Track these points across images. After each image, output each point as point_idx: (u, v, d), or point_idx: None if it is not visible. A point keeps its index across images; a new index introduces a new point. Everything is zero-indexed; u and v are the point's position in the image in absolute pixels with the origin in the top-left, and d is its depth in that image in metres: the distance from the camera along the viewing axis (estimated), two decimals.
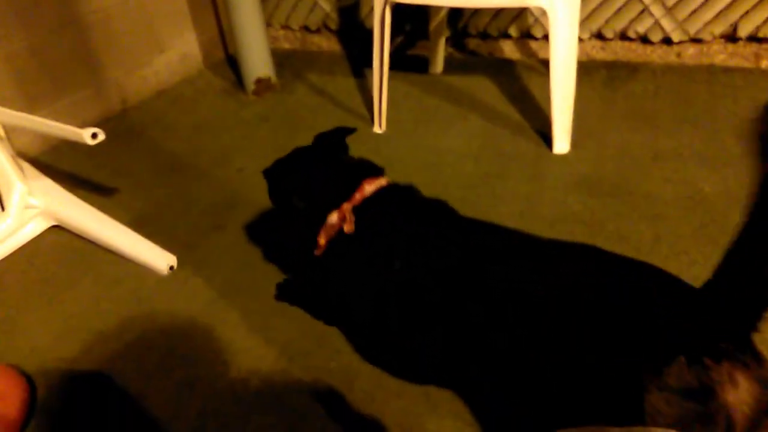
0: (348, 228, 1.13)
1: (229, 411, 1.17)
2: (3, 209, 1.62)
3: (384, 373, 1.21)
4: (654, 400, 0.70)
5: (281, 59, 2.68)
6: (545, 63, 2.38)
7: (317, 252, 1.19)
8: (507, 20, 2.40)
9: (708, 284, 0.81)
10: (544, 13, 2.27)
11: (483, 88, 2.27)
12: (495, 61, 2.49)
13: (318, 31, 2.74)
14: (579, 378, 0.80)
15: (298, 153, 1.30)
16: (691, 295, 0.81)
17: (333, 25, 2.69)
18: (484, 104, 2.15)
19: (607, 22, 2.26)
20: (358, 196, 1.15)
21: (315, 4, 2.66)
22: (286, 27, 2.79)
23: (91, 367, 1.30)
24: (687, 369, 0.70)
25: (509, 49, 2.48)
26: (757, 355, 0.72)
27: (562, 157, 1.83)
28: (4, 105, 1.82)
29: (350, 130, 1.33)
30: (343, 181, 1.18)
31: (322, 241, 1.17)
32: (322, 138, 1.31)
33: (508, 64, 2.44)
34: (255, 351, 1.30)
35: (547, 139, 1.88)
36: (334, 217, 1.16)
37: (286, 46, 2.86)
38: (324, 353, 1.27)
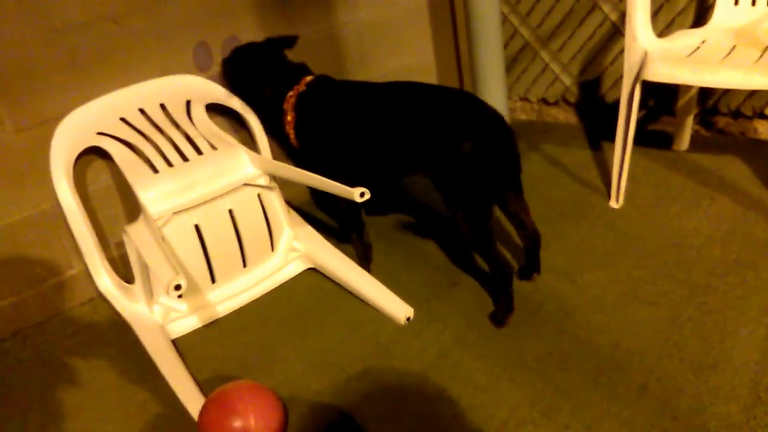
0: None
1: None
2: (273, 249, 1.87)
3: None
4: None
5: (518, 129, 2.75)
6: None
7: (289, 119, 1.80)
8: (764, 100, 2.25)
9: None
10: None
11: (733, 169, 2.13)
12: (747, 141, 2.33)
13: (556, 103, 2.79)
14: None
15: (253, 49, 1.92)
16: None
17: (572, 98, 2.73)
18: (734, 186, 2.02)
19: None
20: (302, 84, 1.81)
21: (555, 78, 2.72)
22: (524, 99, 2.88)
23: (334, 401, 1.44)
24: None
25: (765, 130, 2.32)
26: None
27: None
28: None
29: (292, 39, 1.95)
30: (293, 73, 1.85)
31: (289, 117, 1.81)
32: (272, 41, 1.94)
33: (763, 145, 2.27)
34: (481, 410, 1.35)
35: None
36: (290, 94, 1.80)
37: (523, 117, 2.95)
38: (551, 426, 1.28)
